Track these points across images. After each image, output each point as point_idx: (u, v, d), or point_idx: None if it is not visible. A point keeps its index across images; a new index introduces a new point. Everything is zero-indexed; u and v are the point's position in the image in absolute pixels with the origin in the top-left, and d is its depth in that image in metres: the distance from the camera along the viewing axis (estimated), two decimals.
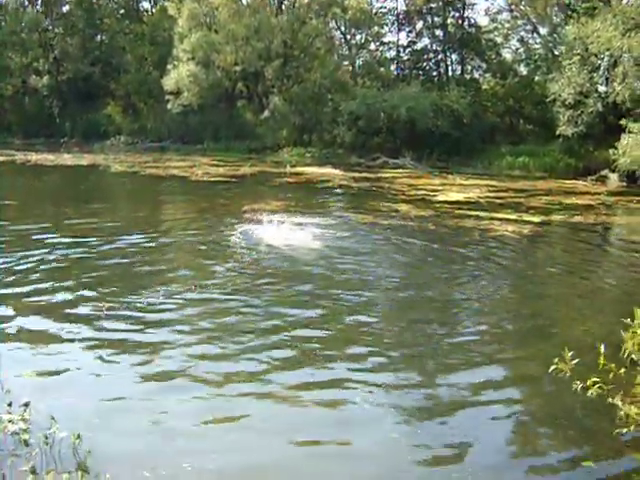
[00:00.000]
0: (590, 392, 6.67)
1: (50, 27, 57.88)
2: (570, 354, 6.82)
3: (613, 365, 6.68)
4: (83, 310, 10.09)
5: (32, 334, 9.09)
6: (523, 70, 44.56)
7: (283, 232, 15.82)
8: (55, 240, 15.02)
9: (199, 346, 8.74)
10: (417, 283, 12.26)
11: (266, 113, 46.59)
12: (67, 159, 38.02)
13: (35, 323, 9.54)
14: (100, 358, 8.30)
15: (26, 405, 6.59)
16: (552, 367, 6.32)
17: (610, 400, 6.39)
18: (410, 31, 48.09)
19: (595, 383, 6.72)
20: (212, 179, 28.91)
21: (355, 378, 7.88)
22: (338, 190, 26.81)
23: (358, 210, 20.52)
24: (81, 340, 8.88)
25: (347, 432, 6.69)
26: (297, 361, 8.32)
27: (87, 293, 10.95)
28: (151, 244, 15.12)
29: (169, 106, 45.68)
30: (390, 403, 7.34)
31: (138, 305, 10.30)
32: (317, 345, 8.83)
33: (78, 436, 6.13)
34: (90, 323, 9.50)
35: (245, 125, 46.31)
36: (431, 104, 37.79)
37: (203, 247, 14.81)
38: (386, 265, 13.68)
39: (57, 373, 7.86)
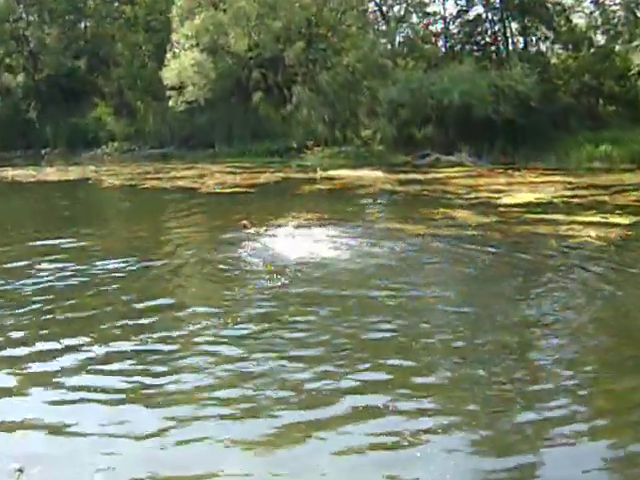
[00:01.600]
0: None
1: (24, 15, 58.40)
2: None
3: None
4: (78, 357, 9.95)
5: (14, 386, 9.05)
6: (600, 39, 44.29)
7: (316, 250, 15.85)
8: (39, 271, 15.01)
9: (222, 405, 8.41)
10: (482, 306, 12.22)
11: (289, 107, 46.65)
12: (50, 173, 38.23)
13: (18, 373, 9.45)
14: (101, 415, 8.21)
15: (20, 471, 6.63)
16: None
17: None
18: None
19: None
20: (226, 190, 28.88)
21: (409, 421, 7.91)
22: (381, 196, 26.76)
23: (406, 220, 20.34)
24: (76, 392, 8.81)
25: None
26: (344, 412, 8.21)
27: (79, 335, 10.80)
28: (154, 271, 15.08)
29: (171, 104, 45.96)
30: (450, 442, 7.44)
31: (141, 350, 10.17)
32: (363, 390, 8.75)
33: None
34: (84, 373, 9.41)
35: (264, 123, 46.33)
36: (489, 86, 37.61)
37: (218, 272, 14.76)
38: (443, 285, 13.62)
39: (52, 431, 7.80)
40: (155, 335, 10.85)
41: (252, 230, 18.07)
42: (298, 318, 11.54)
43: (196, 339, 10.66)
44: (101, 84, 56.61)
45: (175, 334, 10.92)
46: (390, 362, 9.60)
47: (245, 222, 18.85)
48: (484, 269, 15.00)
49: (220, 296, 13.08)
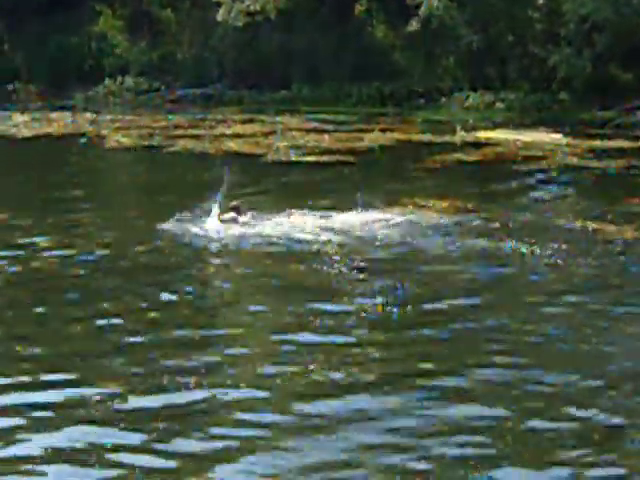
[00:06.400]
0: None
1: None
2: None
3: None
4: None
5: None
6: None
7: (449, 264, 13.68)
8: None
9: None
10: None
11: (413, 24, 37.39)
12: (21, 124, 32.47)
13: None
14: None
15: None
16: None
17: None
18: None
19: None
20: (307, 159, 23.82)
21: None
22: (562, 175, 21.90)
23: (605, 215, 16.80)
24: None
25: None
26: None
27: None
28: (189, 296, 12.49)
29: (220, 17, 38.01)
30: None
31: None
32: None
33: None
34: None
35: (372, 51, 38.22)
36: None
37: (292, 307, 11.97)
38: None
39: None
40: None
41: (245, 218, 15.73)
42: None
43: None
44: None
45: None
46: None
47: (235, 203, 16.05)
48: None
49: (291, 342, 10.57)
